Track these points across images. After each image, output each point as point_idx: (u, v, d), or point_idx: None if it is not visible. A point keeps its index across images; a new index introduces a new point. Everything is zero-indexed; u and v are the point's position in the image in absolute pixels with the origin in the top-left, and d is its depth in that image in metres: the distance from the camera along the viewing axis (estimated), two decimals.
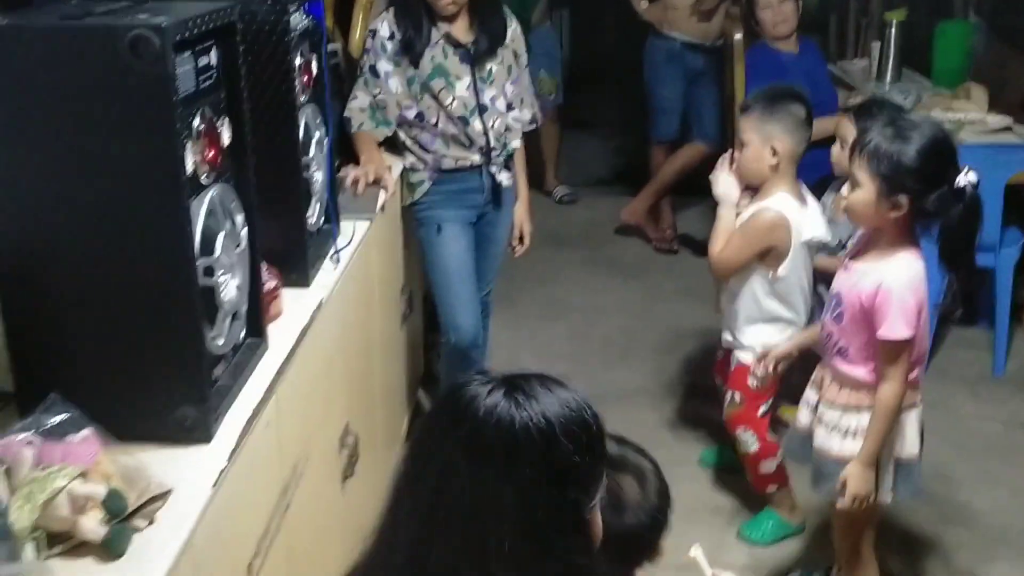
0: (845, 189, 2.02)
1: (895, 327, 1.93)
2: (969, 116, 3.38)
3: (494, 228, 2.77)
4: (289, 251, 1.89)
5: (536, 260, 4.24)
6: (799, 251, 2.40)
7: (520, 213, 2.83)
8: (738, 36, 3.60)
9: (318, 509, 1.89)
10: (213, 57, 1.46)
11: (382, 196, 2.45)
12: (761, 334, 2.48)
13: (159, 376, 1.37)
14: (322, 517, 1.92)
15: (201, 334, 1.38)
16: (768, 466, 2.55)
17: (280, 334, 1.73)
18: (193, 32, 1.35)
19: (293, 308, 1.85)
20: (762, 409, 2.54)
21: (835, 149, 2.55)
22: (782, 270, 2.41)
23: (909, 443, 2.07)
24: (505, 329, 3.56)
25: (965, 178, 1.89)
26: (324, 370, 1.97)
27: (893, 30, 3.91)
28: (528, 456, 1.04)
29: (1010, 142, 3.26)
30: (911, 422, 2.07)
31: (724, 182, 2.49)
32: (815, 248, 2.46)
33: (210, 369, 1.44)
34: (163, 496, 1.25)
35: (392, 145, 2.67)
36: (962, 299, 2.01)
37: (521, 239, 2.86)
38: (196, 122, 1.39)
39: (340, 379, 2.12)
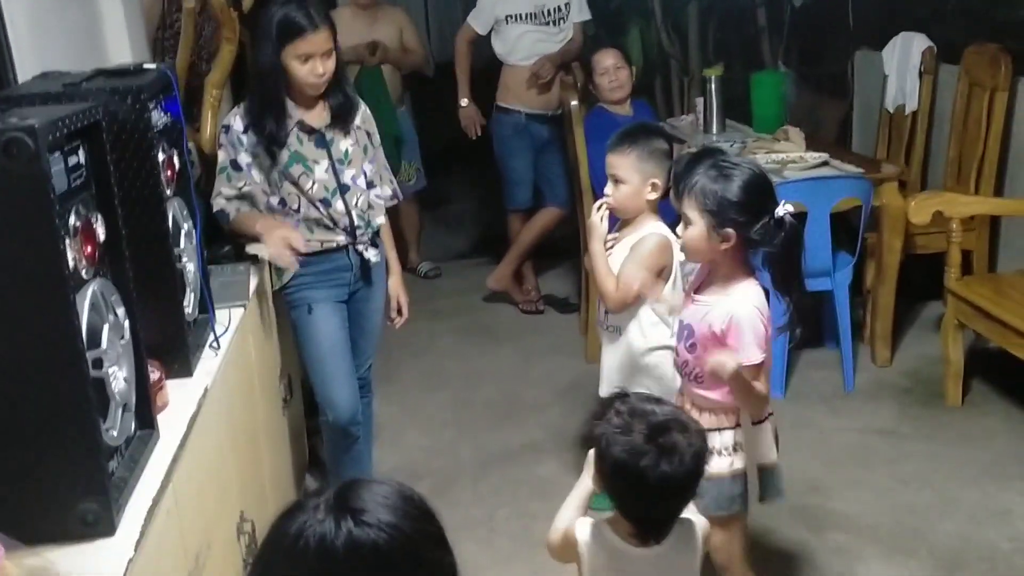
0: (680, 229, 2.20)
1: (751, 353, 2.08)
2: (790, 155, 3.70)
3: (367, 304, 2.82)
4: (169, 342, 1.91)
5: (410, 334, 4.29)
6: (678, 271, 2.52)
7: (394, 286, 2.89)
8: (574, 103, 3.82)
9: None
10: (81, 156, 1.50)
11: (253, 282, 2.49)
12: (653, 367, 2.56)
13: (57, 473, 1.37)
14: None
15: (96, 426, 1.39)
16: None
17: (169, 424, 1.74)
18: (62, 132, 1.39)
19: (179, 398, 1.86)
20: None
21: (672, 195, 2.73)
22: (666, 291, 2.52)
23: (766, 450, 2.23)
24: (387, 404, 3.60)
25: (783, 209, 2.08)
26: (215, 458, 1.98)
27: (713, 85, 4.23)
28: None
29: (829, 174, 3.57)
30: (767, 431, 2.22)
31: (597, 215, 2.58)
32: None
33: (107, 462, 1.45)
34: None
35: None
36: (798, 319, 2.20)
37: (400, 311, 2.91)
38: (72, 219, 1.42)
39: (231, 467, 2.12)
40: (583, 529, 1.80)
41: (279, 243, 2.52)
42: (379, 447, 3.19)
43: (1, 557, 1.27)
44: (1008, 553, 2.68)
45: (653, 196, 2.54)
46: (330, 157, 2.62)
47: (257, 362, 2.51)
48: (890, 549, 2.74)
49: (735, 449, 2.20)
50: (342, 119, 2.64)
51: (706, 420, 2.18)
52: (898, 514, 2.89)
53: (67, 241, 1.38)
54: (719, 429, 2.19)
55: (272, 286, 2.73)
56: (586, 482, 1.83)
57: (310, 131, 2.61)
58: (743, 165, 2.13)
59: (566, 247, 4.81)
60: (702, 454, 1.71)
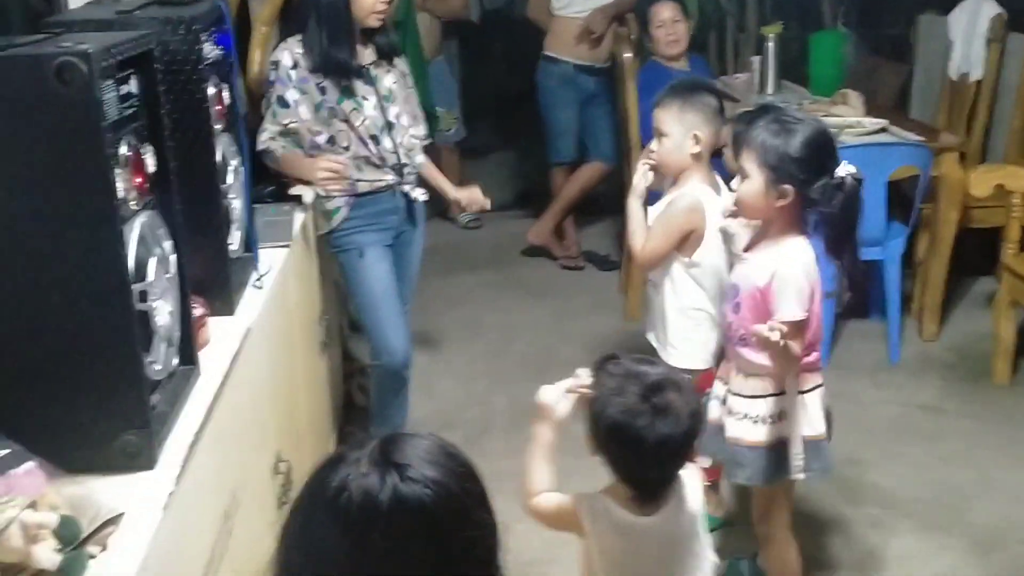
0: (735, 183, 2.15)
1: (791, 310, 2.03)
2: (847, 120, 3.59)
3: (409, 247, 2.82)
4: (212, 279, 1.89)
5: (447, 283, 4.31)
6: (714, 237, 2.45)
7: (456, 191, 2.93)
8: (628, 55, 3.73)
9: (257, 536, 1.88)
10: (133, 85, 1.47)
11: (297, 223, 2.47)
12: (683, 328, 2.54)
13: (100, 404, 1.36)
14: (261, 544, 1.91)
15: (140, 359, 1.38)
16: (704, 462, 2.61)
17: (211, 361, 1.73)
18: (115, 59, 1.36)
19: (220, 336, 1.85)
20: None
21: (727, 152, 2.67)
22: (697, 255, 2.46)
23: (815, 422, 2.16)
24: (421, 352, 3.58)
25: (844, 169, 2.03)
26: (254, 397, 1.97)
27: (771, 44, 4.12)
28: (438, 527, 1.02)
29: (888, 141, 3.47)
30: (814, 402, 2.16)
31: (637, 173, 2.55)
32: (729, 237, 2.55)
33: (149, 395, 1.44)
34: (115, 520, 1.24)
35: None
36: (848, 285, 2.14)
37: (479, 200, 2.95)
38: (123, 149, 1.40)
39: (269, 407, 2.12)
40: (582, 505, 1.71)
41: (325, 171, 2.51)
42: (412, 395, 3.18)
43: (44, 484, 1.28)
44: None
45: (696, 149, 2.46)
46: (377, 94, 2.61)
47: (297, 304, 2.50)
48: (926, 525, 2.70)
49: (779, 418, 2.14)
50: (387, 57, 2.65)
51: (750, 386, 2.16)
52: (937, 491, 2.84)
53: (117, 171, 1.36)
54: (763, 396, 2.14)
55: (319, 229, 2.71)
56: (543, 433, 1.74)
57: (359, 67, 2.60)
58: (807, 121, 2.08)
59: (609, 203, 4.74)
60: (698, 412, 1.65)
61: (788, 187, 2.03)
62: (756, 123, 2.09)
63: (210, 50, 1.89)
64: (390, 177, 2.67)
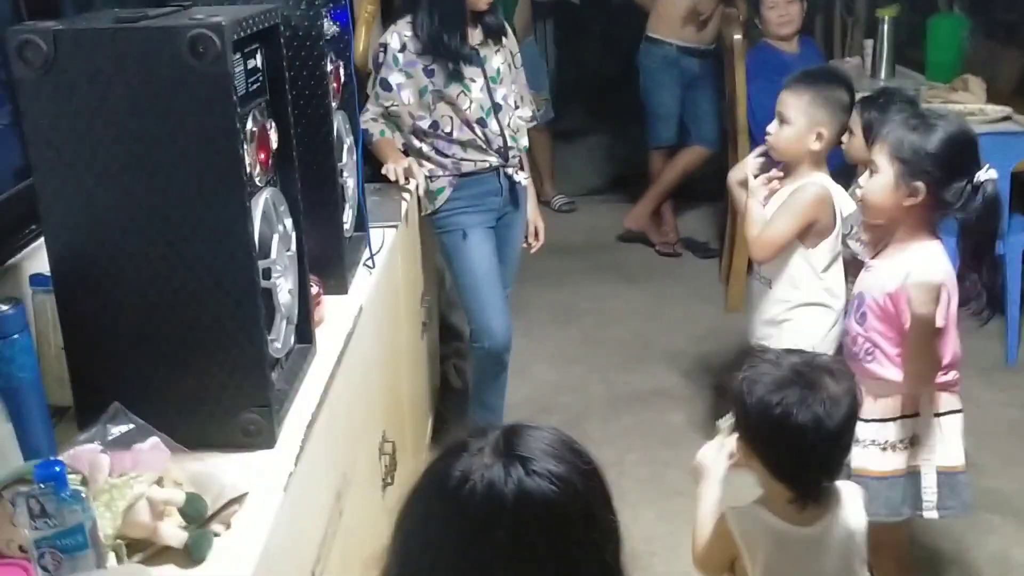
0: (863, 179, 2.03)
1: (925, 306, 1.91)
2: (968, 107, 3.43)
3: (510, 230, 2.79)
4: (327, 257, 1.88)
5: (543, 267, 4.25)
6: (840, 228, 2.36)
7: (531, 210, 2.86)
8: (738, 37, 3.62)
9: (365, 516, 1.87)
10: (259, 60, 1.46)
11: (404, 203, 2.45)
12: (802, 323, 2.44)
13: (223, 381, 1.35)
14: (369, 525, 1.90)
15: (264, 337, 1.37)
16: None
17: (325, 340, 1.72)
18: (245, 33, 1.34)
19: (334, 314, 1.84)
20: None
21: (845, 138, 2.56)
22: (824, 247, 2.36)
23: (952, 451, 2.01)
24: (516, 336, 3.53)
25: (986, 174, 1.89)
26: (365, 377, 1.96)
27: (885, 27, 3.95)
28: (565, 523, 0.96)
29: (1012, 130, 3.30)
30: (952, 429, 2.01)
31: (749, 168, 2.47)
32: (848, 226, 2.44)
33: (270, 374, 1.43)
34: (239, 499, 1.23)
35: (407, 154, 2.66)
36: (988, 300, 2.00)
37: (536, 235, 2.88)
38: (249, 124, 1.38)
39: (377, 386, 2.11)
40: (735, 517, 1.62)
41: (400, 171, 2.49)
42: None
43: (167, 459, 1.27)
44: None
45: (816, 146, 2.35)
46: (484, 75, 2.58)
47: (403, 284, 2.49)
48: None
49: (911, 443, 1.99)
50: (494, 37, 2.62)
51: (879, 408, 2.00)
52: None
53: (244, 146, 1.34)
54: (893, 419, 1.99)
55: (422, 210, 2.70)
56: (710, 492, 1.67)
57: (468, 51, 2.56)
58: (949, 118, 1.96)
59: (709, 188, 4.63)
60: (855, 394, 1.53)
61: (920, 184, 1.90)
62: (892, 115, 1.99)
63: (328, 26, 1.87)
64: (494, 159, 2.64)
